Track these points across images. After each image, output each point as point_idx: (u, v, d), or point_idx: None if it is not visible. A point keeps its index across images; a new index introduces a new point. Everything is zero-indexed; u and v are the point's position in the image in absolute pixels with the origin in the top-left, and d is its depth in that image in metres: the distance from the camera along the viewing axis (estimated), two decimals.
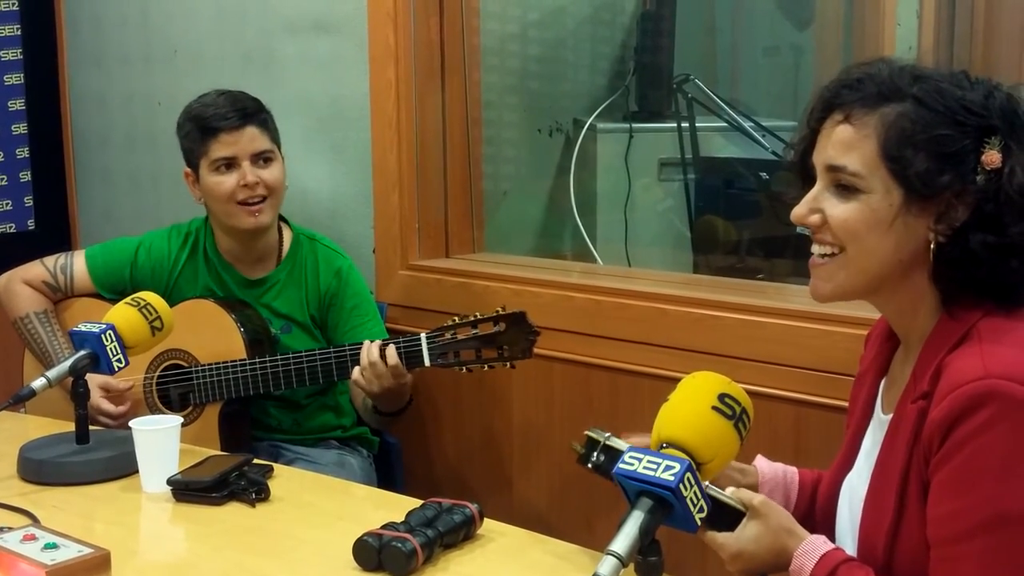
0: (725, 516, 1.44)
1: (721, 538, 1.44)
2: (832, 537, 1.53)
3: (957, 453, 1.27)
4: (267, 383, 2.38)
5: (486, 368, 2.22)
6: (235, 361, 2.40)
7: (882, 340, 1.53)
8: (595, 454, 1.59)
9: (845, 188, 1.38)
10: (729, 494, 1.45)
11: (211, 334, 2.43)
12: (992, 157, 1.32)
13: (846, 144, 1.37)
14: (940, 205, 1.34)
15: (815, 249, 1.43)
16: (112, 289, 2.55)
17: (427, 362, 2.23)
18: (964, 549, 1.27)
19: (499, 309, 2.20)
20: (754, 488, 1.64)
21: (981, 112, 1.33)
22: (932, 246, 1.35)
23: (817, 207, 1.41)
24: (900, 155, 1.34)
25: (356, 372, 2.27)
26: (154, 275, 2.55)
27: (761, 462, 1.68)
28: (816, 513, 1.62)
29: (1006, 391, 1.25)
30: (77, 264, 2.57)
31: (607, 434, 1.60)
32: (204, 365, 2.42)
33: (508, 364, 2.21)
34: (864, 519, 1.43)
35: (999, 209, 1.32)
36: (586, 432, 1.62)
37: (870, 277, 1.39)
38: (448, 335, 2.22)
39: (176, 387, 2.46)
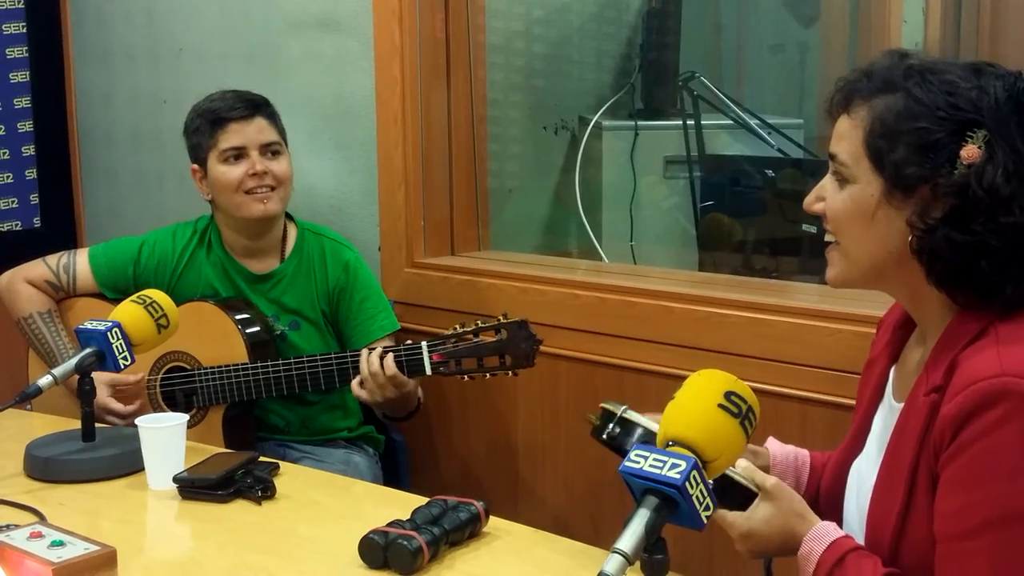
0: (737, 496, 1.44)
1: (731, 517, 1.44)
2: (839, 520, 1.53)
3: (968, 449, 1.27)
4: (269, 387, 2.38)
5: (487, 376, 2.22)
6: (237, 364, 2.40)
7: (895, 327, 1.54)
8: (611, 426, 1.59)
9: (840, 177, 1.41)
10: (743, 474, 1.45)
11: (213, 337, 2.43)
12: (970, 152, 1.31)
13: (841, 134, 1.41)
14: (920, 200, 1.34)
15: (825, 236, 1.47)
16: (115, 288, 2.55)
17: (428, 371, 2.23)
18: (971, 546, 1.27)
19: (500, 317, 2.20)
20: (766, 469, 1.64)
21: (966, 107, 1.32)
22: (910, 240, 1.35)
23: (821, 195, 1.45)
24: (880, 145, 1.36)
25: (355, 385, 2.27)
26: (157, 274, 2.55)
27: (773, 444, 1.69)
28: (821, 495, 1.62)
29: (1020, 390, 1.25)
30: (80, 263, 2.57)
31: (624, 406, 1.59)
32: (206, 368, 2.42)
33: (510, 372, 2.21)
34: (872, 509, 1.43)
35: (966, 205, 1.31)
36: (602, 404, 1.61)
37: (864, 267, 1.42)
38: (449, 344, 2.21)
39: (180, 389, 2.46)
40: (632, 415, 1.58)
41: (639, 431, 1.56)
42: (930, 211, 1.33)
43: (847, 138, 1.40)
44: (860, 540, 1.44)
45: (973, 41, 3.05)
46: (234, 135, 2.46)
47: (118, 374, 2.40)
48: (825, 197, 1.44)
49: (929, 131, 1.32)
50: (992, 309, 1.34)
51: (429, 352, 2.22)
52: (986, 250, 1.31)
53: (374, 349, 2.27)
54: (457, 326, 2.23)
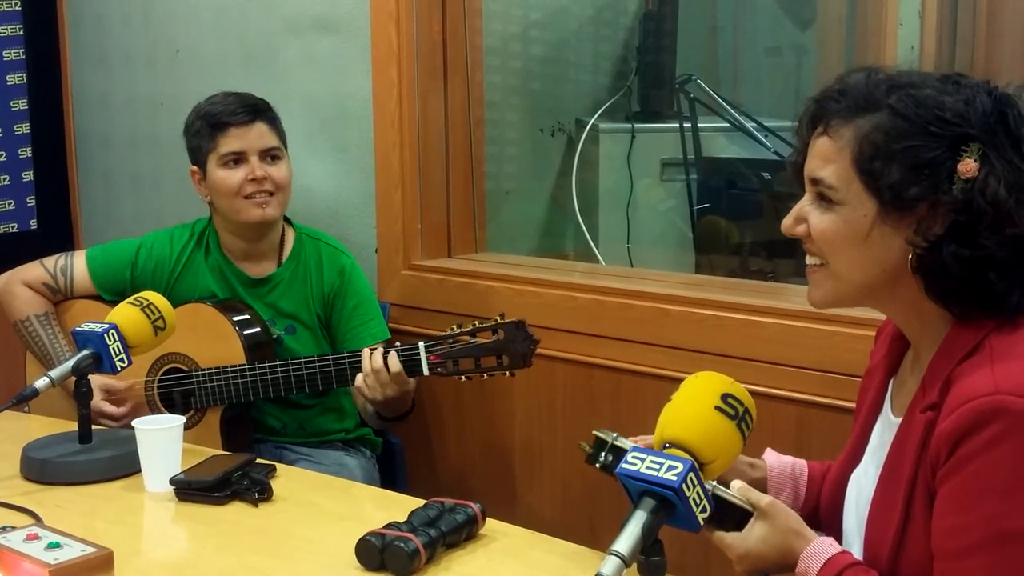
0: (732, 516, 1.44)
1: (728, 539, 1.44)
2: (838, 533, 1.53)
3: (963, 467, 1.27)
4: (267, 388, 2.38)
5: (485, 377, 2.22)
6: (235, 366, 2.40)
7: (893, 339, 1.52)
8: (603, 454, 1.59)
9: (825, 200, 1.38)
10: (737, 494, 1.45)
11: (210, 338, 2.43)
12: (967, 166, 1.29)
13: (824, 156, 1.37)
14: (917, 217, 1.32)
15: (807, 258, 1.45)
16: (112, 290, 2.55)
17: (426, 371, 2.23)
18: (967, 564, 1.27)
19: (497, 317, 2.20)
20: (763, 482, 1.64)
21: (957, 121, 1.30)
22: (911, 258, 1.33)
23: (802, 218, 1.42)
24: (872, 167, 1.33)
25: (359, 380, 2.27)
26: (155, 276, 2.55)
27: (770, 456, 1.68)
28: (821, 506, 1.61)
29: (1015, 408, 1.24)
30: (77, 265, 2.57)
31: (614, 434, 1.60)
32: (204, 369, 2.42)
33: (507, 373, 2.21)
34: (870, 524, 1.43)
35: (972, 220, 1.29)
36: (594, 432, 1.62)
37: (856, 287, 1.40)
38: (447, 344, 2.21)
39: (177, 391, 2.46)
40: (623, 442, 1.59)
41: None
42: (930, 228, 1.32)
43: (834, 161, 1.36)
44: (859, 552, 1.44)
45: (969, 45, 3.06)
46: (234, 140, 2.46)
47: (111, 380, 2.41)
48: (807, 219, 1.41)
49: (923, 148, 1.30)
50: (991, 319, 1.33)
51: (426, 352, 2.22)
52: (993, 262, 1.30)
53: (375, 349, 2.27)
54: (454, 326, 2.23)
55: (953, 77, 1.36)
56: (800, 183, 1.45)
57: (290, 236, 2.58)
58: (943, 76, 1.36)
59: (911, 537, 1.35)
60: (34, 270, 2.57)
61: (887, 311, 1.46)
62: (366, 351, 2.27)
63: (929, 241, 1.32)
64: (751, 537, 1.43)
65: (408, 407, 2.42)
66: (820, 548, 1.40)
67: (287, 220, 2.60)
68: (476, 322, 2.21)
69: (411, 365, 2.23)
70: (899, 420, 1.42)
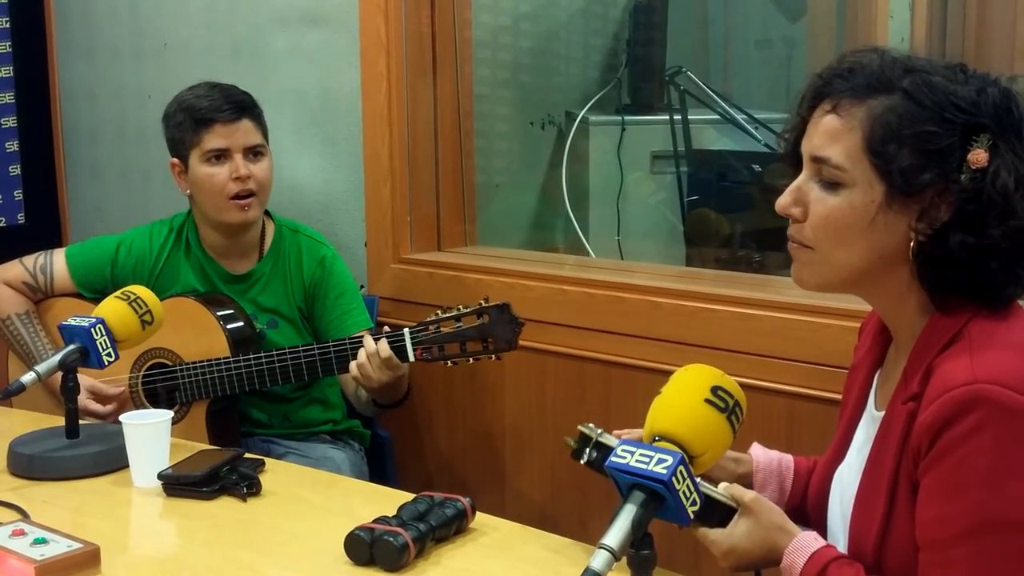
0: (717, 512, 1.44)
1: (713, 535, 1.44)
2: (824, 529, 1.53)
3: (945, 458, 1.27)
4: (252, 381, 2.37)
5: (471, 361, 2.21)
6: (219, 359, 2.39)
7: (876, 333, 1.52)
8: (587, 450, 1.59)
9: (830, 181, 1.36)
10: (721, 490, 1.45)
11: (194, 332, 2.41)
12: (978, 156, 1.30)
13: (831, 135, 1.35)
14: (923, 203, 1.32)
15: (790, 230, 1.42)
16: (92, 288, 2.53)
17: (411, 357, 2.22)
18: (952, 554, 1.27)
19: (482, 301, 2.19)
20: (749, 477, 1.63)
21: (971, 109, 1.30)
22: (912, 245, 1.33)
23: (801, 199, 1.40)
24: (884, 150, 1.31)
25: (354, 367, 2.25)
26: (135, 273, 2.53)
27: (756, 450, 1.68)
28: (808, 503, 1.61)
29: (994, 396, 1.24)
30: (57, 263, 2.55)
31: (599, 430, 1.59)
32: (188, 364, 2.41)
33: (493, 356, 2.20)
34: (854, 517, 1.43)
35: (981, 210, 1.29)
36: (579, 427, 1.62)
37: (848, 272, 1.39)
38: (432, 329, 2.20)
39: (162, 386, 2.45)
40: (607, 438, 1.58)
41: None
42: (936, 215, 1.31)
43: (841, 140, 1.34)
44: (843, 545, 1.44)
45: (959, 37, 3.06)
46: (219, 137, 2.43)
47: (98, 382, 2.39)
48: (807, 201, 1.39)
49: (937, 135, 1.30)
50: (971, 307, 1.33)
51: (411, 338, 2.21)
52: (997, 252, 1.30)
53: (377, 335, 2.26)
54: (439, 311, 2.21)
55: (960, 66, 1.36)
56: (793, 161, 1.43)
57: (270, 230, 2.57)
58: (949, 65, 1.36)
59: (895, 528, 1.35)
60: (14, 269, 2.56)
61: (871, 299, 1.45)
62: (367, 335, 2.25)
63: (934, 228, 1.31)
64: (735, 533, 1.43)
65: (403, 394, 2.40)
66: (805, 543, 1.40)
67: (267, 213, 2.58)
68: (460, 306, 2.20)
69: (396, 351, 2.22)
70: (882, 414, 1.42)
